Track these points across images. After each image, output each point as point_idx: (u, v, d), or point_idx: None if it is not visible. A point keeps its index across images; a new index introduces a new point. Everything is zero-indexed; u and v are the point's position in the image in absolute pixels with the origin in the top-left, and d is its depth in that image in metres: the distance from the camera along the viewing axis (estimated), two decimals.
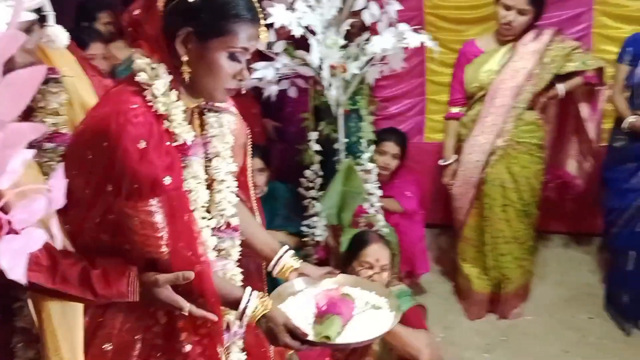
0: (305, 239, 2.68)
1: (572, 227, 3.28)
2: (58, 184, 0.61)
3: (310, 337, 1.20)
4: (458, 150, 2.80)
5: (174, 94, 1.08)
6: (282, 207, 2.75)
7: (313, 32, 2.29)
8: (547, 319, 2.79)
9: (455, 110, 2.81)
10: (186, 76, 1.07)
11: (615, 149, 2.66)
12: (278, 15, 2.16)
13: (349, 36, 2.40)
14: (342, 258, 2.31)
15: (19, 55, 1.07)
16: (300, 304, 1.31)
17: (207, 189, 1.18)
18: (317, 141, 2.60)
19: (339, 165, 2.52)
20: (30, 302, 1.12)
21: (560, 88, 2.65)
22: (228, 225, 1.21)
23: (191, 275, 1.08)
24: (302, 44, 2.33)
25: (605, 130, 2.77)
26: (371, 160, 2.60)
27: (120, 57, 2.82)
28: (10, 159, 0.47)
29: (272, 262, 1.36)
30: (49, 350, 1.06)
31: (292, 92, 2.53)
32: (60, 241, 0.95)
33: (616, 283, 2.75)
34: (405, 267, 2.88)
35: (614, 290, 2.76)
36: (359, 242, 2.13)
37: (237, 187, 1.26)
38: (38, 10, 1.19)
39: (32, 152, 0.58)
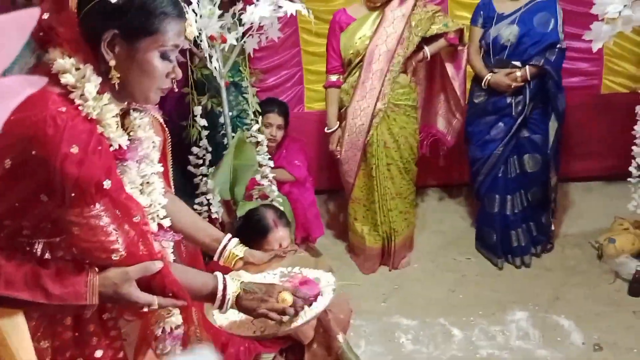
0: None
1: (444, 179, 3.59)
2: None
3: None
4: (340, 117, 2.91)
5: (105, 97, 1.00)
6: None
7: (188, 2, 2.20)
8: (431, 265, 3.06)
9: (333, 78, 2.89)
10: (115, 81, 1.00)
11: (476, 104, 2.93)
12: None
13: (221, 6, 2.35)
14: (239, 236, 2.27)
15: None
16: None
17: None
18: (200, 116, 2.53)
19: (224, 140, 2.47)
20: None
21: (426, 51, 2.86)
22: (160, 227, 1.17)
23: (160, 264, 1.04)
24: None
25: (467, 90, 3.05)
26: (259, 131, 2.60)
27: None
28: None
29: (217, 252, 1.35)
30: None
31: None
32: None
33: (485, 225, 3.06)
34: (300, 233, 2.96)
35: (483, 231, 3.08)
36: (260, 230, 1.96)
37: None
38: None
39: None
